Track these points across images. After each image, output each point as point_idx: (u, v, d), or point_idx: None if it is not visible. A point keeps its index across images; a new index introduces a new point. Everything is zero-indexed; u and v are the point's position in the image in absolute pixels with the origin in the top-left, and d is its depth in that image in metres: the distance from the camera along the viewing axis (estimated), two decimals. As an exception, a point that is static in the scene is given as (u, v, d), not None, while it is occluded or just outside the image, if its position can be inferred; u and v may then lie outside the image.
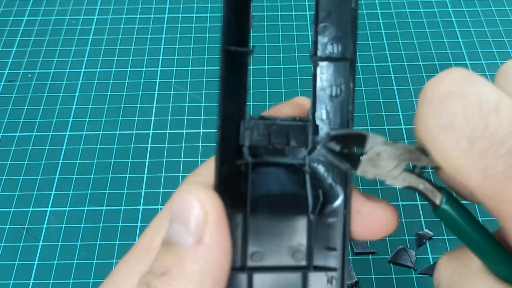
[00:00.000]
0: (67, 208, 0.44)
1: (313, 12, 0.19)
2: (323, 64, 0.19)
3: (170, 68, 0.54)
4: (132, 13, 0.59)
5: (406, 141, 0.47)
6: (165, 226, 0.18)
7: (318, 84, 0.19)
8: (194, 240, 0.16)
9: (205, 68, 0.53)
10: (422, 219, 0.43)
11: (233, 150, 0.18)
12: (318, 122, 0.19)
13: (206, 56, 0.54)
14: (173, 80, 0.53)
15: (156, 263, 0.17)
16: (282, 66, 0.53)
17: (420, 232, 0.42)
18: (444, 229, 0.42)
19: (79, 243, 0.42)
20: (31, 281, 0.40)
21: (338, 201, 0.19)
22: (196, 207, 0.16)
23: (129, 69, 0.54)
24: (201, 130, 0.49)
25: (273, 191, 0.19)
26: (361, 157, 0.18)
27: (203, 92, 0.51)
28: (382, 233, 0.19)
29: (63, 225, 0.43)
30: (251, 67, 0.21)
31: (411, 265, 0.40)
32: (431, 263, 0.41)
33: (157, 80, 0.53)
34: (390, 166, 0.18)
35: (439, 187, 0.18)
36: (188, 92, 0.52)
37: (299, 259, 0.18)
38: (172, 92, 0.52)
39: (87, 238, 0.43)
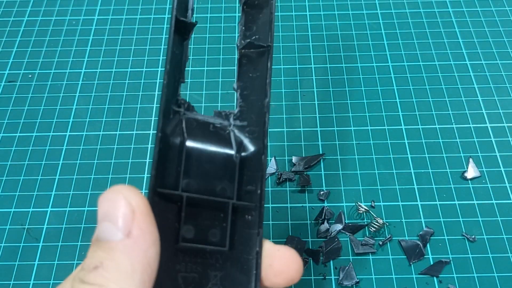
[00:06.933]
0: (67, 209, 0.44)
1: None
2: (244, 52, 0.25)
3: (170, 69, 0.54)
4: (132, 14, 0.59)
5: (406, 140, 0.47)
6: None
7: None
8: (123, 234, 0.17)
9: (205, 68, 0.53)
10: (422, 219, 0.43)
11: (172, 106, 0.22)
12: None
13: (206, 57, 0.54)
14: (173, 80, 0.53)
15: (88, 260, 0.17)
16: (282, 67, 0.53)
17: (420, 233, 0.42)
18: (444, 229, 0.42)
19: (79, 243, 0.42)
20: (31, 282, 0.41)
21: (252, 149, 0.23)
22: (124, 205, 0.18)
23: (129, 70, 0.54)
24: (201, 131, 0.49)
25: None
26: None
27: (203, 92, 0.51)
28: (290, 281, 0.21)
29: (63, 226, 0.43)
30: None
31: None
32: (431, 263, 0.41)
33: (157, 81, 0.53)
34: None
35: None
36: (188, 92, 0.52)
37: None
38: (172, 93, 0.52)
39: (87, 238, 0.43)
